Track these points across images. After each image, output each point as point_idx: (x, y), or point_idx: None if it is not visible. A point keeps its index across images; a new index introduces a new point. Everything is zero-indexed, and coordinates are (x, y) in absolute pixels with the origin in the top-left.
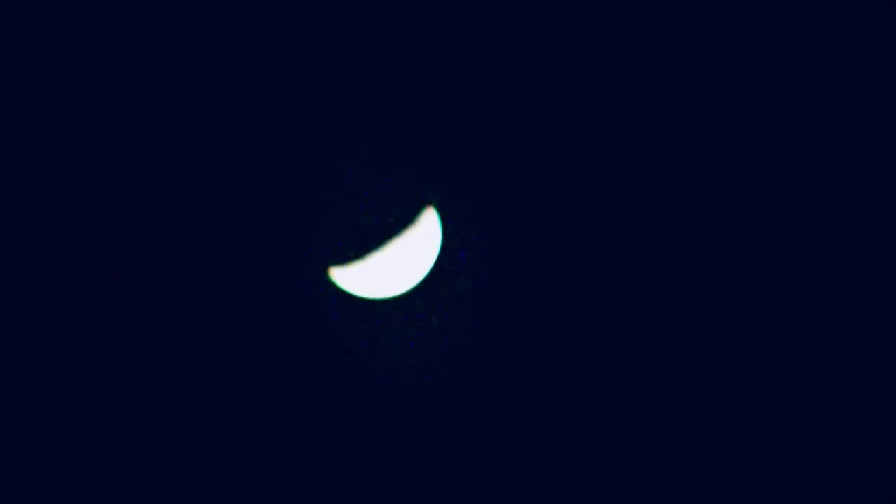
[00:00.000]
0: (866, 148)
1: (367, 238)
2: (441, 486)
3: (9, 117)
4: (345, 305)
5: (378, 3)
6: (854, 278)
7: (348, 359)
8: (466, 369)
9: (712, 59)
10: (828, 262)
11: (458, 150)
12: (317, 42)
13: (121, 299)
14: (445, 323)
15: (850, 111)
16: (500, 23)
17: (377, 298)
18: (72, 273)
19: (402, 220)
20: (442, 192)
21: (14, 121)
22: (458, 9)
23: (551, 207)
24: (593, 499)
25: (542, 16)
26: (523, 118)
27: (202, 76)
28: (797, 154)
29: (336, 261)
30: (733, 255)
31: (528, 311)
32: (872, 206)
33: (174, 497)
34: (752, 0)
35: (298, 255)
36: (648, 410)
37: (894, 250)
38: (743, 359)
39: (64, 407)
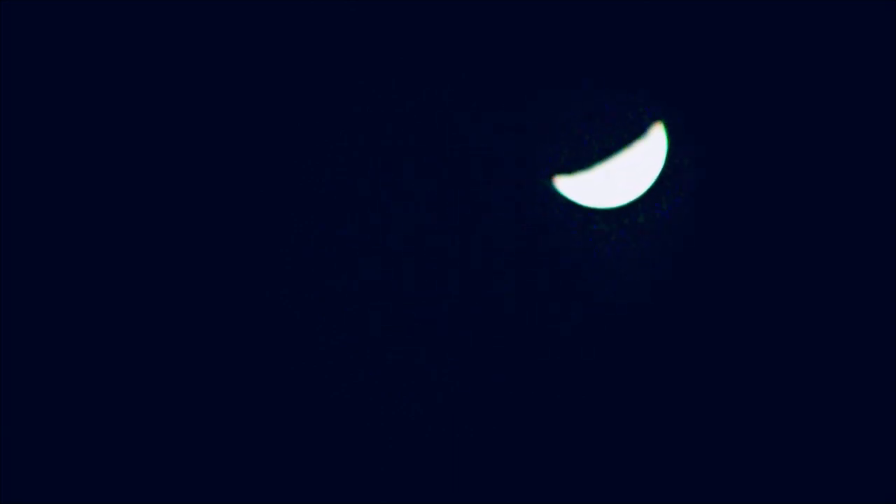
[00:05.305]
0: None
1: (594, 148)
2: (654, 400)
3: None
4: (568, 213)
5: None
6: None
7: (568, 266)
8: (682, 284)
9: None
10: None
11: (697, 70)
12: None
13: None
14: (665, 235)
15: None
16: None
17: (599, 208)
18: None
19: (630, 132)
20: (672, 109)
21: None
22: None
23: (782, 140)
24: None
25: None
26: (766, 50)
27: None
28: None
29: (562, 169)
30: None
31: (745, 236)
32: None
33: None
34: None
35: (525, 162)
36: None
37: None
38: None
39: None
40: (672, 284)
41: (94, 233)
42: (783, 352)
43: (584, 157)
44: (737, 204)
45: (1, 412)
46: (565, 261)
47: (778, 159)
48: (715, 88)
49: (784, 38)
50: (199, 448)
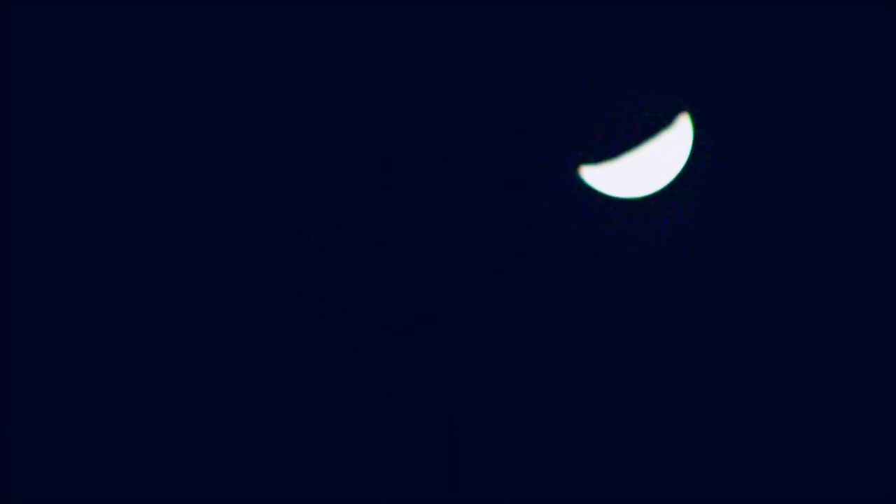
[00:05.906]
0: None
1: (619, 138)
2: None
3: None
4: (592, 203)
5: None
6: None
7: (593, 256)
8: (705, 276)
9: None
10: None
11: (723, 60)
12: None
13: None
14: (691, 226)
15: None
16: None
17: (623, 198)
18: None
19: (655, 123)
20: (698, 99)
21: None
22: None
23: (809, 131)
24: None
25: None
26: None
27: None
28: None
29: (586, 159)
30: None
31: (768, 228)
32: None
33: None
34: None
35: (548, 152)
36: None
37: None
38: None
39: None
40: (695, 277)
41: (94, 233)
42: (812, 350)
43: (609, 147)
44: (762, 195)
45: (1, 412)
46: (583, 252)
47: (805, 150)
48: (741, 79)
49: (810, 26)
50: (199, 448)
